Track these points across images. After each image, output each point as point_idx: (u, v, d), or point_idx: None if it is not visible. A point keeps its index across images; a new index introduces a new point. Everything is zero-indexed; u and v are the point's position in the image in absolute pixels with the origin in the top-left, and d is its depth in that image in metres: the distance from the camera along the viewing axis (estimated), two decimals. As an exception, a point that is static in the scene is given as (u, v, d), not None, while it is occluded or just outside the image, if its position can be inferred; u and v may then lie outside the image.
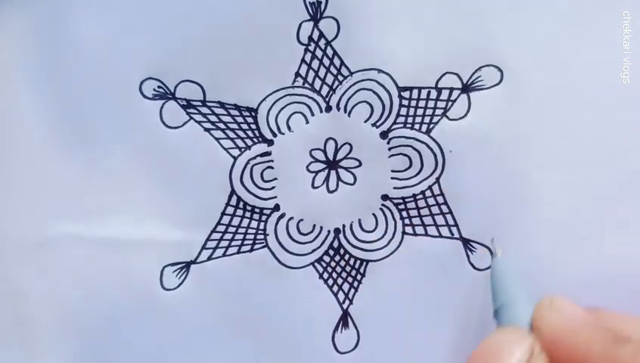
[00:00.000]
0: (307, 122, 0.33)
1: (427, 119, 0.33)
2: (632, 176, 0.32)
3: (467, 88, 0.32)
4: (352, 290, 0.34)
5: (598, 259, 0.32)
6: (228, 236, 0.34)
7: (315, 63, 0.33)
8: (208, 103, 0.33)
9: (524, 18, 0.32)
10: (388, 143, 0.33)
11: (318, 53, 0.33)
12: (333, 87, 0.33)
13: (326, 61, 0.33)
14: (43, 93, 0.34)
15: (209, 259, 0.34)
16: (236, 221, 0.34)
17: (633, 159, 0.32)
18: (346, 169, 0.33)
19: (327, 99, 0.33)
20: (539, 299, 0.25)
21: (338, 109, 0.33)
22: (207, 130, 0.33)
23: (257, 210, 0.34)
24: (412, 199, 0.33)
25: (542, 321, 0.23)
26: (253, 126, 0.33)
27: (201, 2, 0.33)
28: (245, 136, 0.34)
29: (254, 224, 0.34)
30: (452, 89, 0.32)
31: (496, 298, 0.27)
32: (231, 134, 0.33)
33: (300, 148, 0.33)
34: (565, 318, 0.23)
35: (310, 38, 0.33)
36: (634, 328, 0.24)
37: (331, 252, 0.34)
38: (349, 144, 0.33)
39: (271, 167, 0.34)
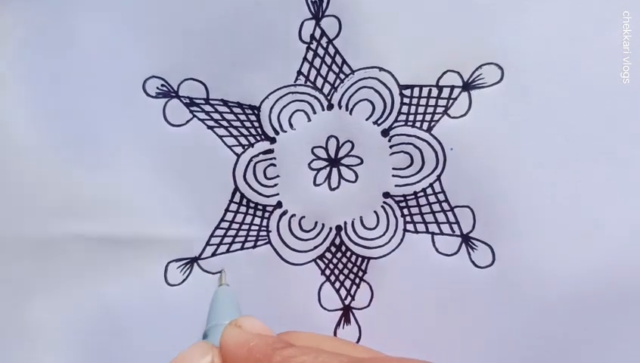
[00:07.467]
0: (309, 120, 0.34)
1: (428, 117, 0.33)
2: (632, 175, 0.32)
3: (467, 86, 0.33)
4: (354, 287, 0.34)
5: (597, 258, 0.32)
6: (232, 232, 0.34)
7: (317, 62, 0.33)
8: (211, 102, 0.34)
9: (525, 17, 0.32)
10: (389, 141, 0.33)
11: (320, 51, 0.33)
12: (335, 85, 0.33)
13: (328, 59, 0.33)
14: (46, 91, 0.34)
15: (214, 255, 0.34)
16: (239, 217, 0.34)
17: (633, 159, 0.32)
18: (347, 166, 0.34)
19: (329, 97, 0.33)
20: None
21: (340, 107, 0.33)
22: (210, 128, 0.34)
23: (260, 207, 0.34)
24: (413, 196, 0.33)
25: (225, 336, 0.26)
26: (256, 124, 0.34)
27: (204, 1, 0.33)
28: (248, 134, 0.34)
29: (257, 220, 0.34)
30: (452, 87, 0.33)
31: (208, 320, 0.29)
32: (234, 132, 0.34)
33: (302, 146, 0.34)
34: (242, 333, 0.25)
35: (312, 36, 0.33)
36: (314, 342, 0.27)
37: (333, 249, 0.34)
38: (351, 142, 0.33)
39: (274, 164, 0.34)
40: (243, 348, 0.24)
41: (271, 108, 0.33)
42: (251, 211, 0.34)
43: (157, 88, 0.34)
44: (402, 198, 0.33)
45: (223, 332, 0.25)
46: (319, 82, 0.33)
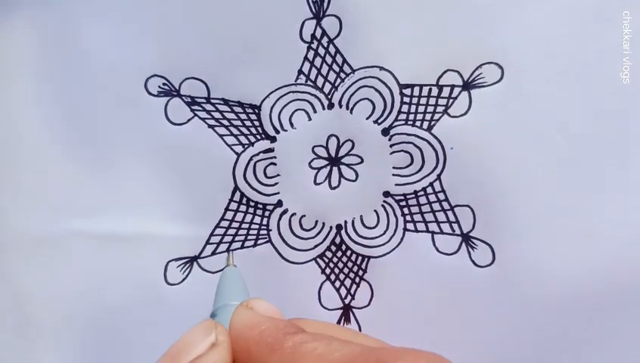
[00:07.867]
0: (310, 119, 0.34)
1: (428, 116, 0.33)
2: (632, 175, 0.32)
3: (467, 86, 0.33)
4: (354, 286, 0.34)
5: (597, 258, 0.32)
6: (232, 231, 0.34)
7: (318, 61, 0.33)
8: (212, 100, 0.34)
9: (525, 17, 0.32)
10: (389, 140, 0.33)
11: (321, 50, 0.33)
12: (336, 84, 0.33)
13: (328, 59, 0.33)
14: (49, 90, 0.34)
15: (213, 254, 0.34)
16: (239, 216, 0.34)
17: (633, 159, 0.32)
18: (348, 165, 0.34)
19: (329, 96, 0.34)
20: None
21: (340, 106, 0.34)
22: (211, 127, 0.34)
23: (260, 206, 0.34)
24: (413, 195, 0.33)
25: (236, 317, 0.25)
26: (257, 123, 0.34)
27: (205, 1, 0.33)
28: (248, 133, 0.34)
29: (257, 219, 0.34)
30: (452, 86, 0.33)
31: (216, 301, 0.28)
32: (235, 131, 0.34)
33: (303, 145, 0.34)
34: (254, 315, 0.25)
35: (313, 36, 0.33)
36: (323, 329, 0.26)
37: (333, 248, 0.34)
38: (351, 141, 0.33)
39: (274, 163, 0.34)
40: (254, 330, 0.23)
41: (272, 107, 0.34)
42: (251, 210, 0.34)
43: (159, 86, 0.34)
44: (402, 197, 0.33)
45: (234, 313, 0.25)
46: (320, 81, 0.33)
